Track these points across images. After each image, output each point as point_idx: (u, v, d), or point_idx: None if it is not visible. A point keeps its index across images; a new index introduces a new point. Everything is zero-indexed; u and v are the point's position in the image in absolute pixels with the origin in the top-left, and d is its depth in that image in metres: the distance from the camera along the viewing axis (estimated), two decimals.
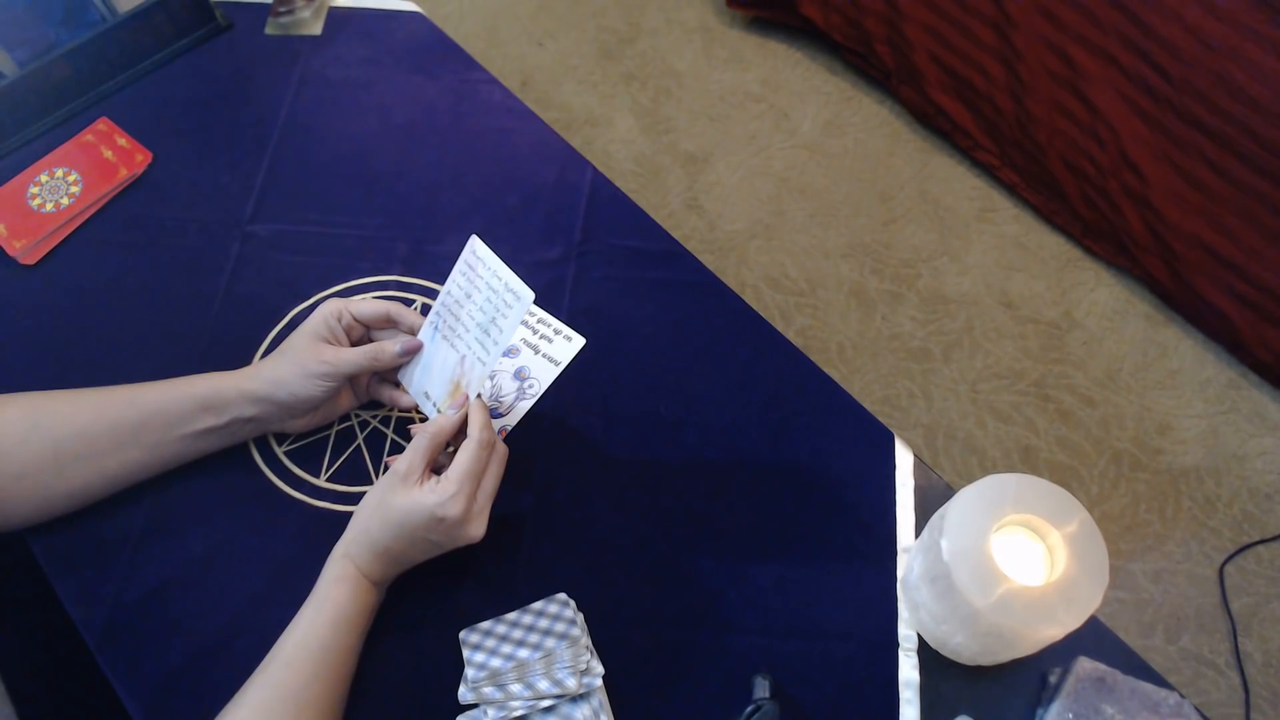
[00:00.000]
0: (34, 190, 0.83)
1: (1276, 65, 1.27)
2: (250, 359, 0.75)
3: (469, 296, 0.65)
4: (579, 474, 0.71)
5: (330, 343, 0.66)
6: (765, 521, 0.70)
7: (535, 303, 0.62)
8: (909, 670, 0.64)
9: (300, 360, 0.65)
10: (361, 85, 0.92)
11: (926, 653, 0.65)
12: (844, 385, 0.76)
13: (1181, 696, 0.61)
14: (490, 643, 0.61)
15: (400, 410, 0.74)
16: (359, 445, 0.72)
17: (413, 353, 0.68)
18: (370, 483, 0.70)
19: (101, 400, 0.65)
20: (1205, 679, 1.30)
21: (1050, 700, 0.61)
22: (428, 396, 0.67)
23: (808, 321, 1.58)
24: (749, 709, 0.59)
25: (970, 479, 0.69)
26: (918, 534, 0.69)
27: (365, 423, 0.74)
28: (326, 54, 0.94)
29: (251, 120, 0.89)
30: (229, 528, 0.68)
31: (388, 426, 0.73)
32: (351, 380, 0.70)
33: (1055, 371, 1.54)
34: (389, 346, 0.67)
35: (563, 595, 0.64)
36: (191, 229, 0.82)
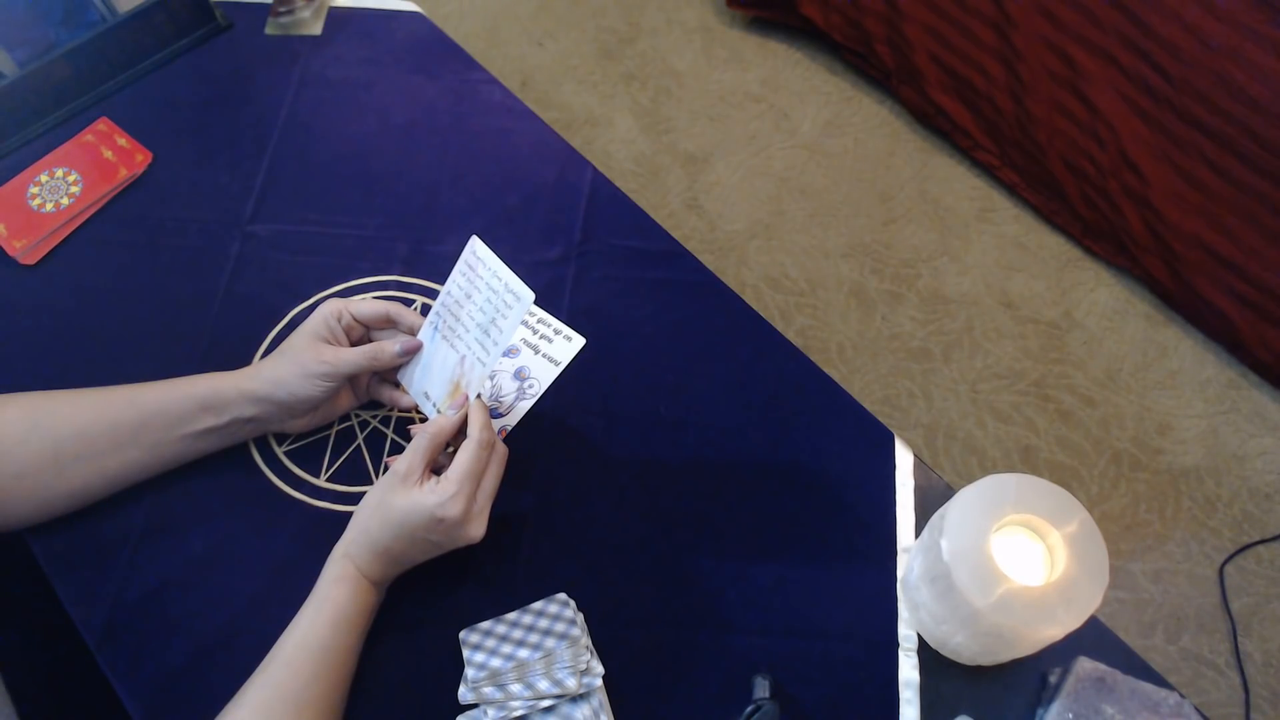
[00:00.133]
0: (34, 190, 0.83)
1: (1276, 65, 1.27)
2: (250, 359, 0.75)
3: (469, 297, 0.65)
4: (579, 474, 0.71)
5: (330, 343, 0.66)
6: (765, 521, 0.70)
7: (535, 303, 0.62)
8: (909, 670, 0.64)
9: (300, 360, 0.65)
10: (361, 85, 0.92)
11: (926, 653, 0.65)
12: (844, 385, 0.76)
13: (1181, 696, 0.61)
14: (490, 643, 0.61)
15: (400, 410, 0.74)
16: (359, 445, 0.72)
17: (412, 353, 0.68)
18: (370, 483, 0.70)
19: (101, 400, 0.65)
20: (1205, 679, 1.30)
21: (1050, 700, 0.61)
22: (427, 397, 0.67)
23: (808, 321, 1.58)
24: (749, 709, 0.59)
25: (970, 479, 0.69)
26: (918, 534, 0.69)
27: (365, 423, 0.74)
28: (326, 54, 0.94)
29: (251, 120, 0.89)
30: (229, 528, 0.68)
31: (388, 426, 0.73)
32: (351, 380, 0.70)
33: (1055, 371, 1.54)
34: (389, 346, 0.67)
35: (563, 595, 0.64)
36: (191, 229, 0.82)
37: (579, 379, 0.76)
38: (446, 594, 0.66)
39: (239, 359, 0.74)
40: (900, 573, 0.68)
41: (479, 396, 0.64)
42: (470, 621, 0.63)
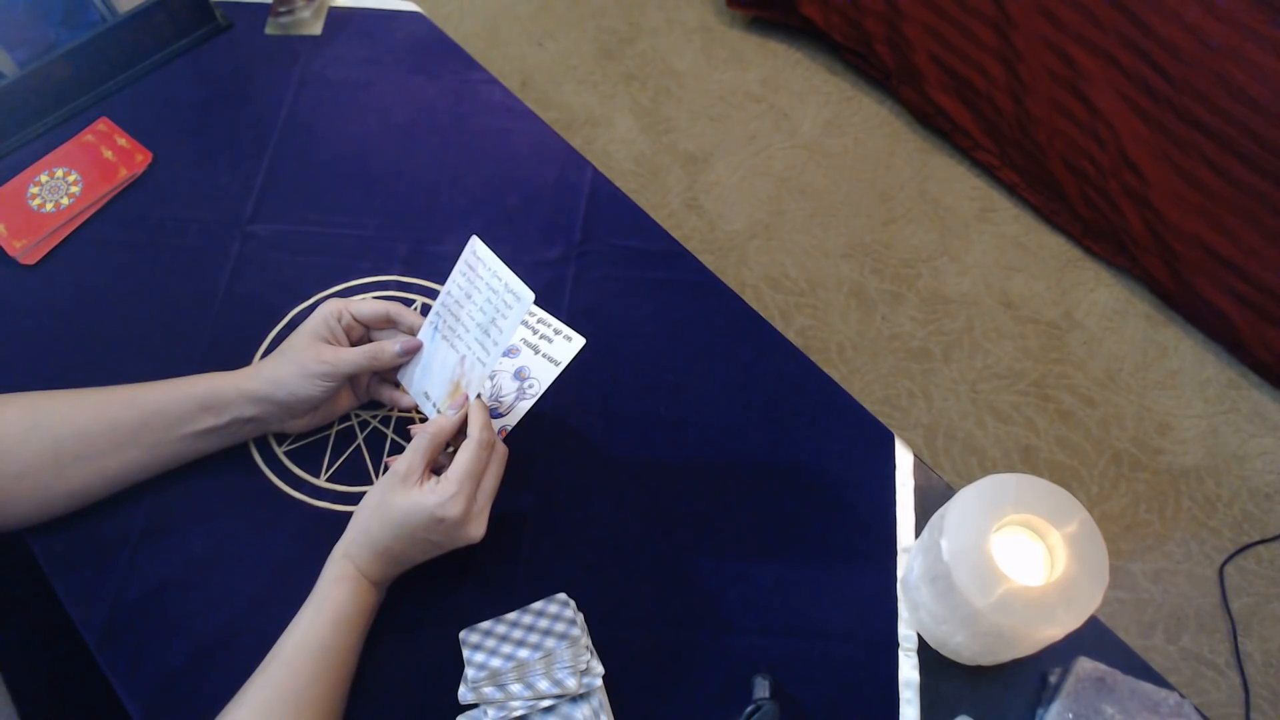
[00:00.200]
0: (34, 190, 0.83)
1: (1276, 65, 1.27)
2: (250, 359, 0.75)
3: (469, 297, 0.65)
4: (579, 474, 0.71)
5: (330, 343, 0.66)
6: (765, 521, 0.70)
7: (535, 303, 0.62)
8: (909, 670, 0.64)
9: (300, 360, 0.65)
10: (361, 85, 0.92)
11: (926, 653, 0.65)
12: (844, 385, 0.76)
13: (1181, 696, 0.61)
14: (490, 643, 0.61)
15: (400, 410, 0.74)
16: (359, 445, 0.72)
17: (412, 353, 0.68)
18: (370, 483, 0.70)
19: (101, 400, 0.65)
20: (1205, 679, 1.30)
21: (1050, 700, 0.61)
22: (427, 397, 0.67)
23: (808, 321, 1.58)
24: (749, 709, 0.59)
25: (970, 479, 0.69)
26: (918, 534, 0.69)
27: (365, 423, 0.74)
28: (326, 54, 0.94)
29: (251, 120, 0.89)
30: (229, 528, 0.68)
31: (388, 426, 0.73)
32: (351, 380, 0.70)
33: (1055, 371, 1.54)
34: (388, 346, 0.67)
35: (563, 595, 0.64)
36: (191, 229, 0.82)
37: (579, 379, 0.76)
38: (446, 594, 0.66)
39: (239, 359, 0.74)
40: (900, 573, 0.68)
41: (479, 396, 0.64)
42: (470, 621, 0.63)
